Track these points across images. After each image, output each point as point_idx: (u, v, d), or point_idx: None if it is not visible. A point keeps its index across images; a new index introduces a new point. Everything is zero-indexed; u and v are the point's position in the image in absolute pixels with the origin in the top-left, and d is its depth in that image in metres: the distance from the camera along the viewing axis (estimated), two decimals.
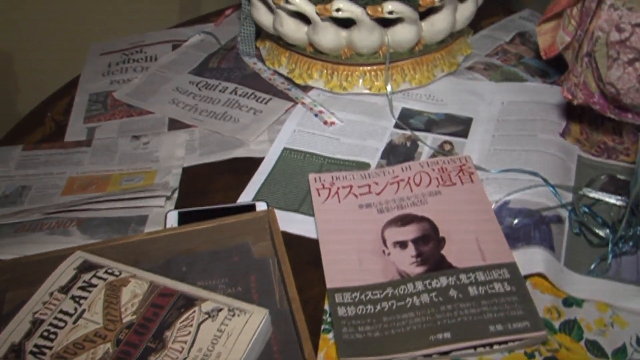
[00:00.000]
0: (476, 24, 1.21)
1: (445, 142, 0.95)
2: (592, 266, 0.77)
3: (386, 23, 0.96)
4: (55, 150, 1.02)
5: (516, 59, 1.12)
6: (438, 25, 0.98)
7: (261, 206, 0.86)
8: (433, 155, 0.93)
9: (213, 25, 1.29)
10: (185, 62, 1.19)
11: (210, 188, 0.93)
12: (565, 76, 0.88)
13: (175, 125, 1.04)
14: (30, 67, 1.66)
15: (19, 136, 1.07)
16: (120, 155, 0.99)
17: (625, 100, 0.81)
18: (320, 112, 1.01)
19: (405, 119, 1.00)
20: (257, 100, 1.06)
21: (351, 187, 0.86)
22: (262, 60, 1.14)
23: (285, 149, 0.96)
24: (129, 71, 1.19)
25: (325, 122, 0.99)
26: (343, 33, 0.98)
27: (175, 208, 0.89)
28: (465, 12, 1.02)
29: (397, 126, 0.98)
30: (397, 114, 1.01)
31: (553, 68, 1.08)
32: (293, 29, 1.00)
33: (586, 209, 0.84)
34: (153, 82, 1.14)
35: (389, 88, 1.01)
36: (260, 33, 1.15)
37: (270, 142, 0.98)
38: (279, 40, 1.06)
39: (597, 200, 0.85)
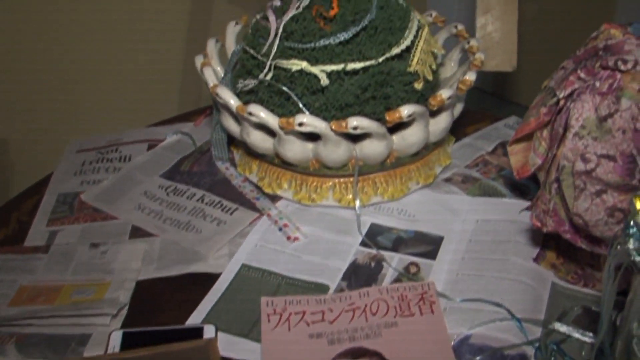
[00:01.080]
0: (460, 130, 1.18)
1: (412, 263, 0.90)
2: None
3: (354, 137, 0.92)
4: (11, 255, 0.99)
5: (497, 171, 1.07)
6: (410, 139, 0.95)
7: (209, 331, 0.81)
8: (397, 279, 0.88)
9: (192, 125, 1.26)
10: (158, 164, 1.16)
11: (163, 305, 0.88)
12: (533, 202, 0.83)
13: (137, 233, 1.01)
14: (22, 158, 1.65)
15: None
16: (76, 265, 0.95)
17: (594, 232, 0.76)
18: (285, 225, 0.97)
19: (373, 235, 0.95)
20: (222, 210, 1.02)
21: (304, 313, 0.81)
22: (235, 166, 1.11)
23: (243, 266, 0.91)
24: (101, 171, 1.16)
25: (289, 237, 0.95)
26: (310, 146, 0.94)
27: (122, 326, 0.85)
28: (440, 124, 0.98)
29: (363, 243, 0.94)
30: (365, 229, 0.96)
31: (534, 183, 1.03)
32: (259, 140, 0.97)
33: (554, 347, 0.77)
34: (123, 184, 1.11)
35: (357, 204, 0.97)
36: (235, 138, 1.12)
37: (229, 256, 0.94)
38: (249, 148, 1.02)
39: (569, 336, 0.79)
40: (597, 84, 0.74)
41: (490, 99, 2.77)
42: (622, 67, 0.72)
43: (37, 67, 1.57)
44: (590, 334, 0.79)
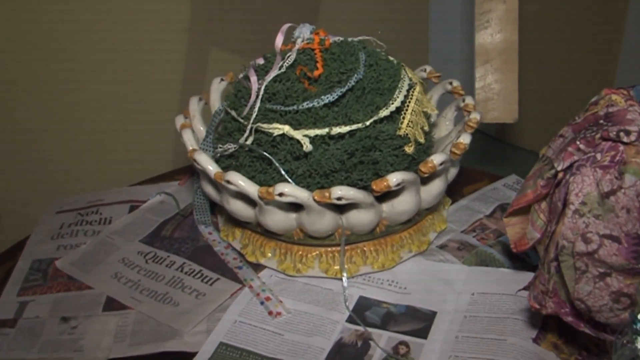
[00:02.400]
0: (457, 191, 1.11)
1: (402, 343, 0.83)
2: None
3: (340, 205, 0.86)
4: None
5: (495, 237, 1.01)
6: (400, 207, 0.89)
7: None
8: None
9: (177, 185, 1.20)
10: (138, 227, 1.10)
11: None
12: (531, 281, 0.76)
13: (111, 305, 0.95)
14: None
15: None
16: (44, 341, 0.89)
17: (598, 318, 0.69)
18: (267, 299, 0.90)
19: (361, 310, 0.88)
20: (202, 280, 0.96)
21: None
22: (219, 231, 1.05)
23: (221, 344, 0.85)
24: (80, 235, 1.10)
25: (271, 313, 0.89)
26: (293, 215, 0.88)
27: None
28: (433, 190, 0.92)
29: (350, 319, 0.87)
30: (353, 303, 0.90)
31: (535, 251, 0.96)
32: (240, 208, 0.91)
33: None
34: (100, 250, 1.05)
35: (344, 277, 0.90)
36: None
37: (207, 333, 0.87)
38: (231, 215, 0.96)
39: None
40: (599, 156, 0.68)
41: (492, 143, 2.71)
42: (625, 139, 0.66)
43: (13, 118, 1.52)
44: None
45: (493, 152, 2.60)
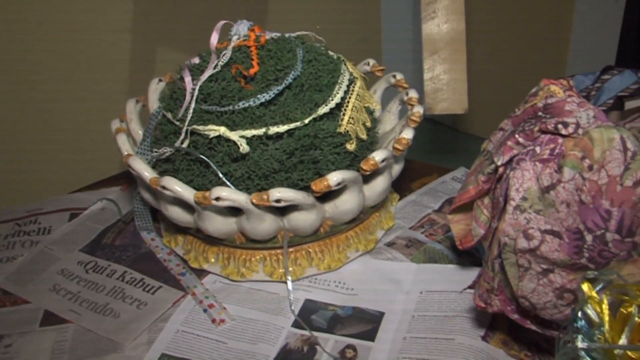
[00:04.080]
0: (405, 186, 1.09)
1: (349, 346, 0.81)
2: None
3: (281, 207, 0.83)
4: None
5: (443, 232, 0.99)
6: (343, 207, 0.86)
7: None
8: None
9: (119, 190, 1.16)
10: (78, 236, 1.06)
11: None
12: (476, 280, 0.74)
13: (49, 319, 0.90)
14: None
15: None
16: None
17: (543, 315, 0.68)
18: (211, 306, 0.87)
19: (307, 314, 0.86)
20: (144, 289, 0.92)
21: None
22: (162, 236, 1.01)
23: (163, 355, 0.82)
24: (17, 246, 1.06)
25: (214, 320, 0.86)
26: (232, 219, 0.85)
27: None
28: (377, 188, 0.90)
29: (296, 324, 0.84)
30: (298, 307, 0.87)
31: (482, 246, 0.95)
32: (179, 214, 0.88)
33: None
34: (38, 262, 1.01)
35: (289, 279, 0.87)
36: None
37: (149, 344, 0.84)
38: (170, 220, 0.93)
39: None
40: (538, 149, 0.66)
41: (443, 131, 2.72)
42: (563, 131, 0.65)
43: None
44: None
45: (451, 143, 2.60)
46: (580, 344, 0.54)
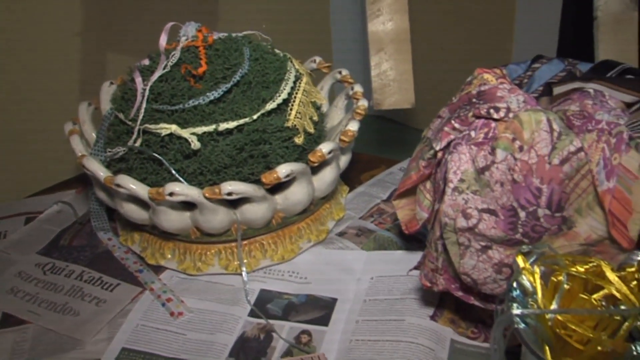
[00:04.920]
0: (354, 178, 1.13)
1: (304, 332, 0.84)
2: None
3: (233, 201, 0.86)
4: None
5: (392, 220, 1.03)
6: (293, 198, 0.89)
7: None
8: (288, 351, 0.81)
9: (75, 193, 1.18)
10: (35, 239, 1.07)
11: None
12: (421, 261, 0.78)
13: (8, 321, 0.92)
14: None
15: None
16: None
17: (484, 290, 0.72)
18: (169, 300, 0.90)
19: (263, 303, 0.89)
20: (103, 287, 0.94)
21: None
22: (118, 235, 1.03)
23: (123, 350, 0.84)
24: None
25: (173, 314, 0.88)
26: (187, 214, 0.88)
27: None
28: (326, 179, 0.93)
29: (252, 313, 0.87)
30: (254, 297, 0.90)
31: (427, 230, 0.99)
32: (134, 211, 0.90)
33: None
34: None
35: (244, 274, 0.90)
36: None
37: (109, 340, 0.86)
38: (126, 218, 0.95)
39: None
40: (473, 134, 0.70)
41: (392, 126, 2.77)
42: (495, 116, 0.69)
43: None
44: None
45: (400, 137, 2.65)
46: (515, 310, 0.57)
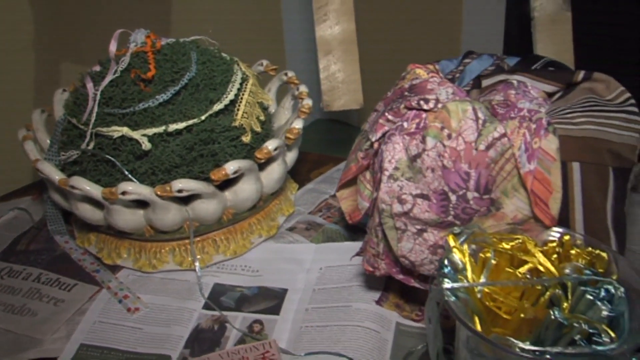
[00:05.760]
0: (304, 176, 1.17)
1: (256, 321, 0.88)
2: None
3: (184, 198, 0.90)
4: None
5: (339, 214, 1.07)
6: (242, 194, 0.93)
7: None
8: (241, 340, 0.85)
9: (30, 199, 1.20)
10: None
11: None
12: (363, 247, 0.83)
13: None
14: None
15: None
16: None
17: (423, 271, 0.76)
18: (125, 297, 0.93)
19: (217, 296, 0.92)
20: (60, 288, 0.97)
21: None
22: (75, 238, 1.06)
23: (82, 346, 0.87)
24: None
25: (129, 309, 0.91)
26: (140, 212, 0.91)
27: None
28: (274, 175, 0.97)
29: (206, 306, 0.91)
30: (208, 291, 0.94)
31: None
32: (89, 212, 0.93)
33: None
34: None
35: (197, 267, 0.94)
36: None
37: (67, 338, 0.89)
38: (82, 220, 0.98)
39: None
40: (405, 124, 0.75)
41: (340, 128, 2.83)
42: (425, 107, 0.74)
43: None
44: None
45: (350, 138, 2.71)
46: (445, 285, 0.62)
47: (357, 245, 0.97)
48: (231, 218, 0.96)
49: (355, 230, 1.02)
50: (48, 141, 1.04)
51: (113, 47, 0.96)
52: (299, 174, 1.12)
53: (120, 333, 0.88)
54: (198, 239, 0.96)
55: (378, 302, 0.88)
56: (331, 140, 2.62)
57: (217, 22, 2.19)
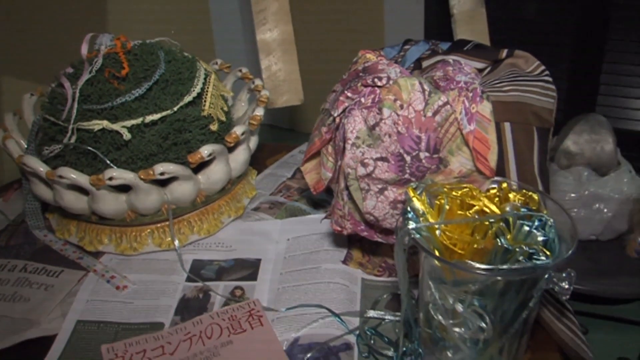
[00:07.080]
0: (261, 163, 1.28)
1: (236, 287, 0.98)
2: None
3: (163, 182, 0.99)
4: None
5: (298, 193, 1.18)
6: (214, 176, 1.03)
7: None
8: (225, 304, 0.95)
9: (1, 201, 1.27)
10: None
11: None
12: (330, 210, 0.94)
13: None
14: None
15: None
16: None
17: (385, 225, 0.88)
18: (112, 277, 1.01)
19: (197, 270, 1.02)
20: (48, 275, 1.04)
21: (145, 351, 0.87)
22: (53, 231, 1.14)
23: (79, 322, 0.95)
24: None
25: (118, 287, 1.00)
26: (123, 197, 1.00)
27: None
28: (240, 157, 1.08)
29: (189, 279, 1.00)
30: (188, 266, 1.03)
31: (330, 195, 1.14)
32: (73, 201, 1.01)
33: (372, 331, 0.88)
34: None
35: (176, 244, 1.03)
36: (49, 205, 1.15)
37: (63, 317, 0.96)
38: (65, 211, 1.06)
39: (383, 320, 0.90)
40: (363, 100, 0.87)
41: (285, 134, 2.96)
42: (379, 83, 0.86)
43: None
44: (399, 314, 0.90)
45: (286, 142, 2.84)
46: (410, 225, 0.74)
47: (318, 217, 1.09)
48: (204, 200, 1.06)
49: (314, 205, 1.14)
50: (22, 141, 1.11)
51: (84, 49, 1.05)
52: (256, 161, 1.23)
53: (113, 308, 0.97)
54: (175, 221, 1.05)
55: (344, 262, 1.00)
56: (266, 143, 2.73)
57: (156, 23, 2.29)
